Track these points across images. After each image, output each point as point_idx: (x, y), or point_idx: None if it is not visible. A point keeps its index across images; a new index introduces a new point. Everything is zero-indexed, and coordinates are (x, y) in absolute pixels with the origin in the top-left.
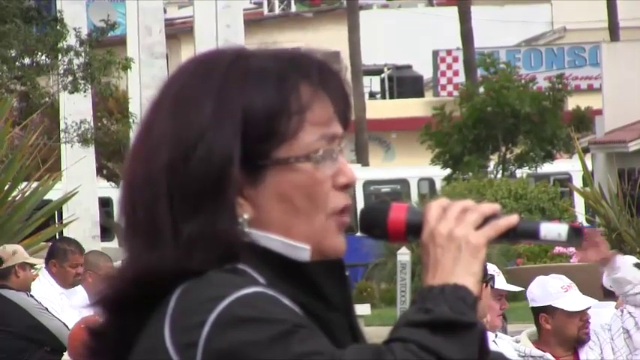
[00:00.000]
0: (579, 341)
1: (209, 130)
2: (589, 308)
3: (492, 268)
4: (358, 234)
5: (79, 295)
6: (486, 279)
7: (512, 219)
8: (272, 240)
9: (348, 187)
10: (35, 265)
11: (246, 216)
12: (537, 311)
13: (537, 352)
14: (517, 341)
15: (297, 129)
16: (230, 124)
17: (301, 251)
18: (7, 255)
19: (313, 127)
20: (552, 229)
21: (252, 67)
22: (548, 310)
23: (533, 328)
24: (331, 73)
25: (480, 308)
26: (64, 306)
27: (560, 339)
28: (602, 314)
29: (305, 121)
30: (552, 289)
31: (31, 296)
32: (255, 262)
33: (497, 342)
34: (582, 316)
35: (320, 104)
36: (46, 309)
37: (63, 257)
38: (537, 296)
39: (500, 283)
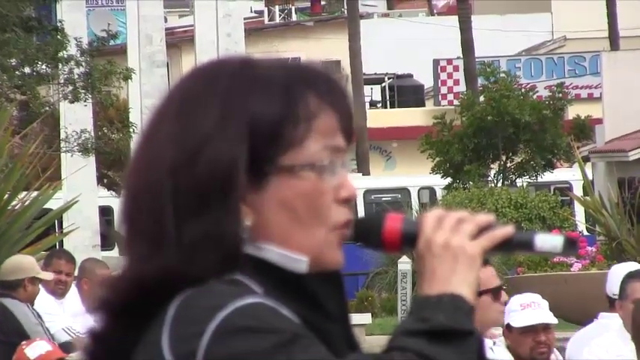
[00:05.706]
0: None
1: (215, 134)
2: (546, 325)
3: None
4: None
5: (68, 304)
6: (497, 289)
7: (508, 230)
8: (268, 251)
9: (349, 201)
10: (44, 280)
11: (247, 223)
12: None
13: None
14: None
15: (303, 137)
16: (236, 129)
17: (298, 263)
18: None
19: (319, 137)
20: (548, 240)
21: (258, 75)
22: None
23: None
24: (338, 88)
25: (495, 318)
26: (62, 313)
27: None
28: (610, 325)
29: (311, 129)
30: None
31: (34, 310)
32: (251, 272)
33: (494, 350)
34: (535, 335)
35: (325, 115)
36: (41, 326)
37: (48, 263)
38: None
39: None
